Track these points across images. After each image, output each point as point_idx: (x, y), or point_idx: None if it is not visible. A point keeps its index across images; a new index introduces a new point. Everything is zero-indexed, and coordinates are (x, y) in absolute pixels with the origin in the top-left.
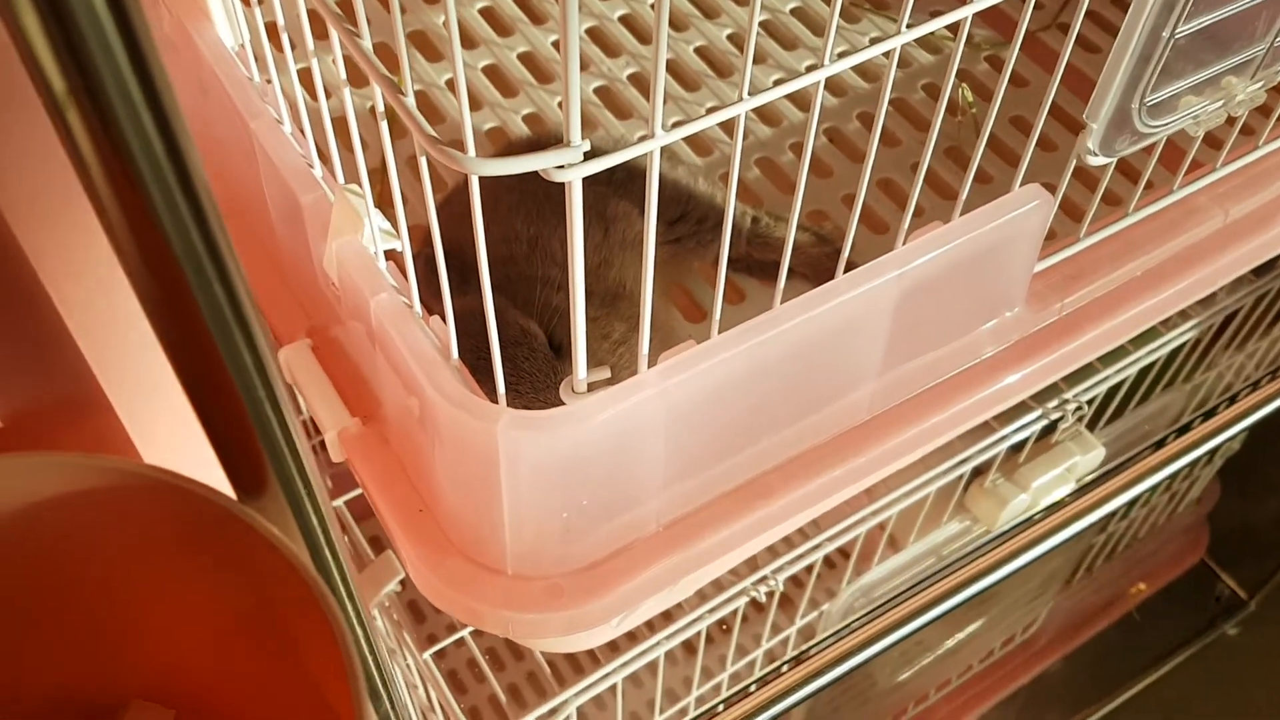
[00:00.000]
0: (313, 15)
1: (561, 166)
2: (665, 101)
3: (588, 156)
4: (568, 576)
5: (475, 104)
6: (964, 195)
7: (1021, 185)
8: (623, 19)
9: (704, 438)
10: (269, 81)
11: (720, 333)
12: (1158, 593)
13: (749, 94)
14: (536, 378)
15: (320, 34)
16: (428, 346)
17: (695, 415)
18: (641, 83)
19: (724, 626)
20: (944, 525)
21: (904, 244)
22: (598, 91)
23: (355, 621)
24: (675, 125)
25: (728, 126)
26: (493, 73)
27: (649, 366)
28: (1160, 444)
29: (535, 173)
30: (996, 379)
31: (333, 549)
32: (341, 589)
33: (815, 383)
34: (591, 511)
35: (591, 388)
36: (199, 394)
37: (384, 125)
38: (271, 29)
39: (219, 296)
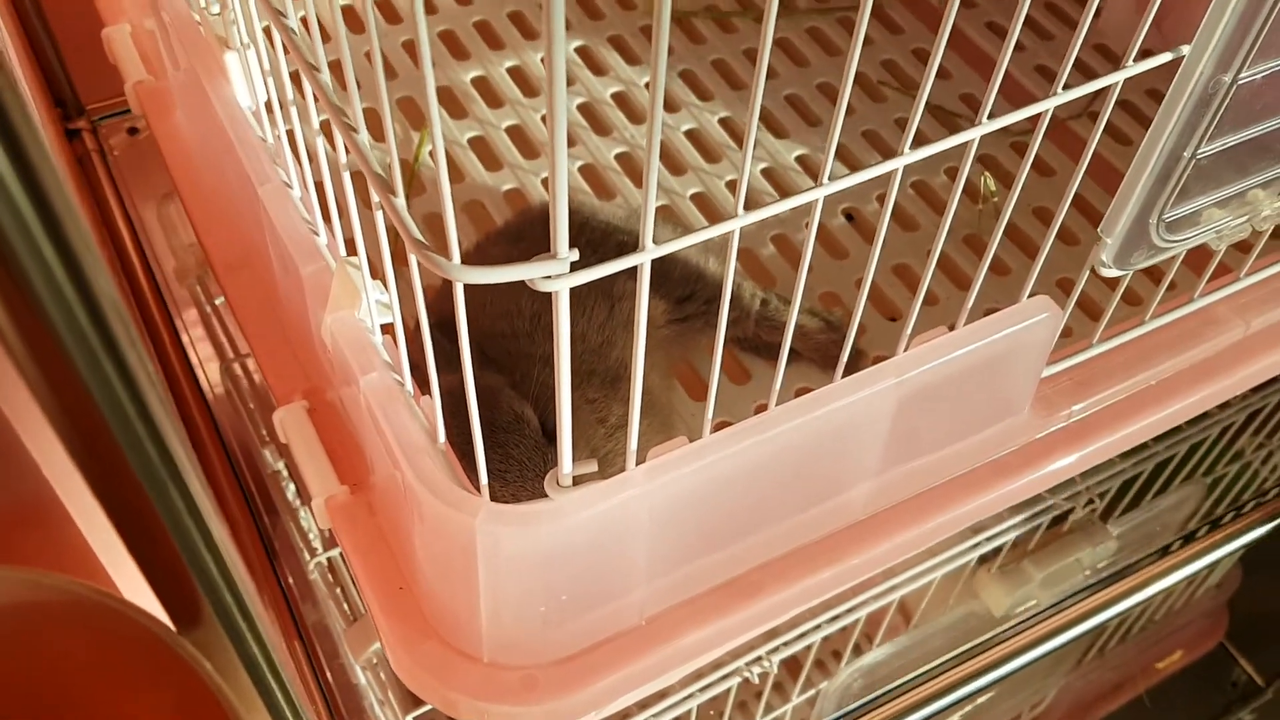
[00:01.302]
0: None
1: (549, 277)
2: (684, 172)
3: (575, 267)
4: (545, 668)
5: (496, 164)
6: (973, 295)
7: (1039, 280)
8: (648, 85)
9: (691, 534)
10: (286, 134)
11: (715, 422)
12: (1171, 676)
13: (744, 209)
14: (526, 465)
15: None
16: (414, 431)
17: (682, 513)
18: (665, 149)
19: (714, 712)
20: (951, 609)
21: (906, 349)
22: (619, 158)
23: None
24: (693, 200)
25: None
26: (516, 133)
27: (637, 464)
28: (1166, 550)
29: (540, 239)
30: (998, 484)
31: (279, 679)
32: (289, 717)
33: (809, 482)
34: (571, 605)
35: (578, 481)
36: (127, 532)
37: (379, 216)
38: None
39: (145, 444)
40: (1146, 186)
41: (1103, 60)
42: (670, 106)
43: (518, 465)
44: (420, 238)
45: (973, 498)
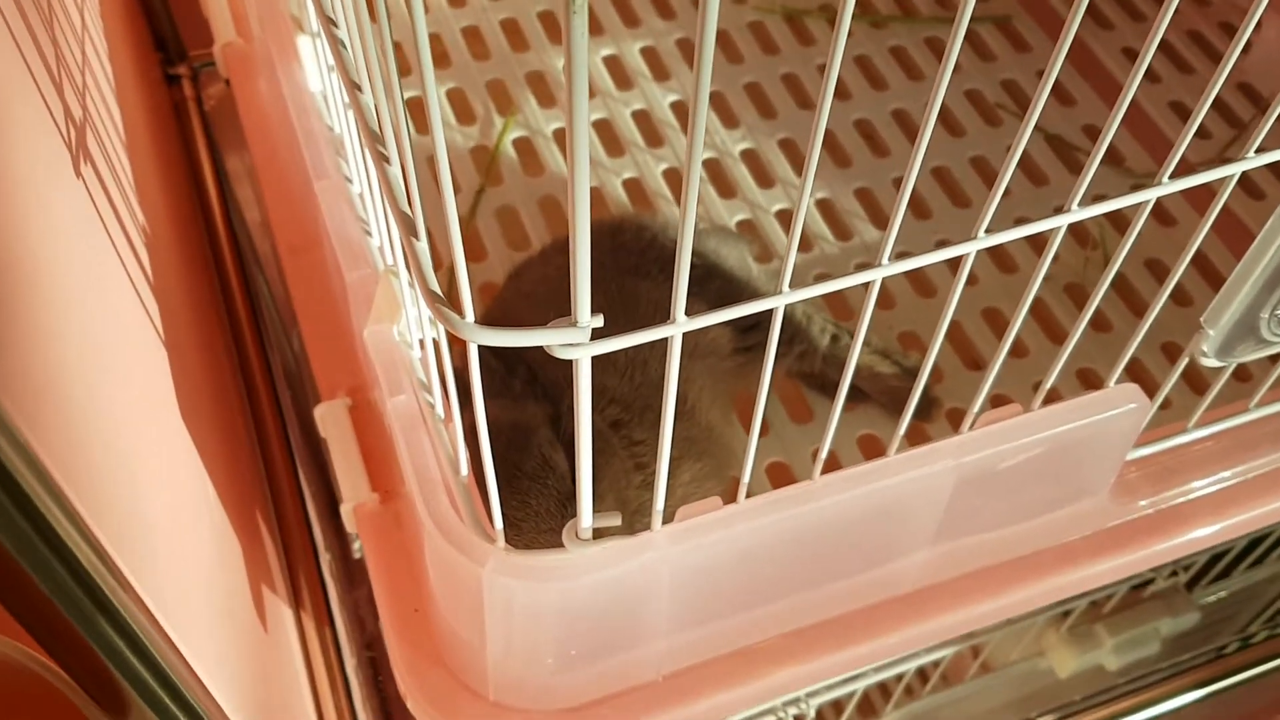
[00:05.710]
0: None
1: (569, 344)
2: (772, 185)
3: (596, 334)
4: (551, 715)
5: None
6: (1061, 360)
7: (1140, 346)
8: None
9: (718, 596)
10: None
11: (767, 464)
12: None
13: (789, 287)
14: (543, 517)
15: (404, 70)
16: (433, 466)
17: (708, 577)
18: (753, 158)
19: None
20: (1011, 664)
21: (971, 426)
22: (707, 164)
23: None
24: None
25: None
26: (603, 128)
27: (667, 521)
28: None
29: (608, 251)
30: (1060, 571)
31: None
32: None
33: (850, 554)
34: (581, 658)
35: (599, 534)
36: (43, 641)
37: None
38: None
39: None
40: (1257, 285)
41: (1245, 102)
42: (729, 120)
43: (534, 518)
44: (436, 289)
45: (1031, 583)
